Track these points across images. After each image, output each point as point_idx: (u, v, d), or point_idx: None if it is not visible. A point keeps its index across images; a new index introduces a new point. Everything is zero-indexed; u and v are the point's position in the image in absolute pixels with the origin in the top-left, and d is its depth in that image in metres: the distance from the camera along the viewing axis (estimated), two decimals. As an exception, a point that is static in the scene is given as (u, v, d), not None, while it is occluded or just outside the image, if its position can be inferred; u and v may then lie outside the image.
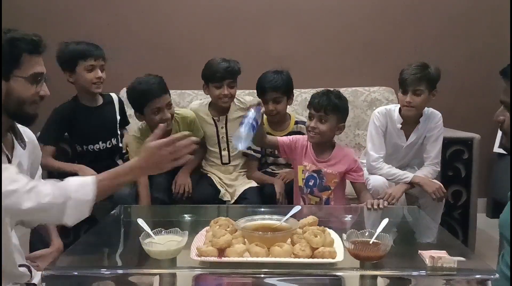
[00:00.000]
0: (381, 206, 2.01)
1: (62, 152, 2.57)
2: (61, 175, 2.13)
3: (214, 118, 2.69)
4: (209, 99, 2.71)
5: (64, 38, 3.34)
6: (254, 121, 1.82)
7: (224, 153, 2.70)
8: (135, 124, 2.70)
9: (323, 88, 3.07)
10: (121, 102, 2.68)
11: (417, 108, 2.49)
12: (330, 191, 2.21)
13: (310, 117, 2.20)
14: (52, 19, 3.36)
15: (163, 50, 3.40)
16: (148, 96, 2.37)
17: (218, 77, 2.56)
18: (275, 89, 2.56)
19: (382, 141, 2.58)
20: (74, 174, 2.24)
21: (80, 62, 2.38)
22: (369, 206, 2.03)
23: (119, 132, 2.58)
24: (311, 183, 2.24)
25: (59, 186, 1.32)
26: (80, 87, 2.46)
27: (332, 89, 2.29)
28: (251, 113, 1.84)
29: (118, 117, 2.56)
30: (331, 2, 3.39)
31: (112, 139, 2.51)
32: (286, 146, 2.29)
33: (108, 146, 2.50)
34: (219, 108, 2.68)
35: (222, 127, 2.69)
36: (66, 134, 2.53)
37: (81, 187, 1.33)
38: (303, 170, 2.26)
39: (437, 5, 3.37)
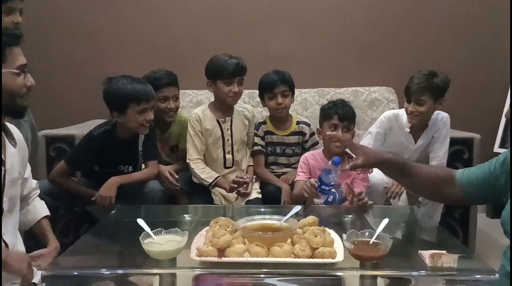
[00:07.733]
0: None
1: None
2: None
3: (219, 120, 2.61)
4: (208, 102, 2.69)
5: (64, 37, 3.38)
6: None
7: (228, 156, 2.62)
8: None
9: (318, 88, 3.12)
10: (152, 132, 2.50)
11: (420, 116, 2.50)
12: (347, 201, 2.20)
13: (333, 128, 2.27)
14: (52, 19, 3.37)
15: (163, 50, 3.40)
16: (157, 84, 2.53)
17: (228, 73, 2.49)
18: (283, 82, 2.61)
19: (370, 143, 2.61)
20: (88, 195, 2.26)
21: (132, 105, 2.25)
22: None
23: (140, 160, 2.46)
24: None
25: None
26: (127, 127, 2.32)
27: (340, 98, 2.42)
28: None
29: (140, 149, 2.44)
30: (331, 2, 3.39)
31: (130, 167, 2.41)
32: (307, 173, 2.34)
33: (122, 170, 2.40)
34: (223, 108, 2.61)
35: (227, 129, 2.61)
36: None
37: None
38: None
39: (437, 5, 3.36)
